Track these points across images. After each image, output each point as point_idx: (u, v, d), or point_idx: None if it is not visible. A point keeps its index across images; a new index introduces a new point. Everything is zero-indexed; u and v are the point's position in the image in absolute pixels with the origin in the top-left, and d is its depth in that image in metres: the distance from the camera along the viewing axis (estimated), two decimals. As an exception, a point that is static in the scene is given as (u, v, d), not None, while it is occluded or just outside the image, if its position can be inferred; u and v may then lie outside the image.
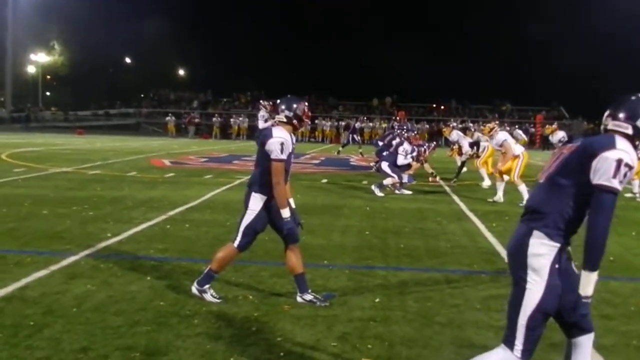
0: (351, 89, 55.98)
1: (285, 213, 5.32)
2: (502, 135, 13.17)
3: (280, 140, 5.30)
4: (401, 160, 13.72)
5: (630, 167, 3.09)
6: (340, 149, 30.08)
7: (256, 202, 5.41)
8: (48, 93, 67.92)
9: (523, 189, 12.49)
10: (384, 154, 14.48)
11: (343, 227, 9.33)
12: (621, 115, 3.26)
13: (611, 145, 3.09)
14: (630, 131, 3.22)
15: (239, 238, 5.45)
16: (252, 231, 5.45)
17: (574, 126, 50.83)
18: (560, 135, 17.74)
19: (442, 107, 56.64)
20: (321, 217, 10.14)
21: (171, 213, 10.03)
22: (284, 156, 5.31)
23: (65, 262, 6.58)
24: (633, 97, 3.33)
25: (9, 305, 5.18)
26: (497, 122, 15.36)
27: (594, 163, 3.08)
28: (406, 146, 13.92)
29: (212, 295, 5.46)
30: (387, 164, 13.73)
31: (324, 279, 6.34)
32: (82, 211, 9.93)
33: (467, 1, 62.06)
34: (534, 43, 56.12)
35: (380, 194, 13.16)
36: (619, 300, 5.90)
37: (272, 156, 5.29)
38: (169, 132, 48.51)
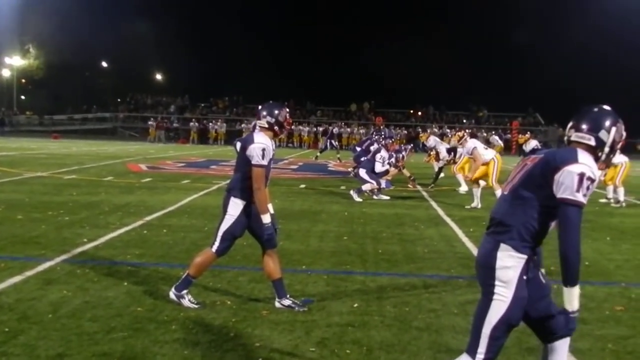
0: (329, 94, 56.13)
1: (266, 219, 5.32)
2: (471, 144, 13.23)
3: (262, 146, 5.30)
4: (379, 167, 13.76)
5: (592, 180, 3.13)
6: (318, 154, 30.13)
7: (235, 207, 5.40)
8: (23, 97, 67.15)
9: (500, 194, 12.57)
10: (362, 160, 14.53)
11: (321, 233, 9.34)
12: (584, 127, 3.30)
13: (573, 159, 3.13)
14: (592, 142, 3.27)
15: (217, 243, 5.43)
16: (231, 236, 5.44)
17: (550, 133, 51.49)
18: (534, 144, 17.98)
19: (420, 113, 56.99)
20: (299, 223, 10.14)
21: (148, 218, 9.97)
22: (265, 162, 5.31)
23: (40, 268, 6.50)
24: (595, 109, 3.38)
25: (-17, 311, 5.11)
26: (466, 130, 15.50)
27: (557, 177, 3.12)
28: (383, 153, 13.96)
29: (189, 300, 5.43)
30: (364, 170, 13.77)
31: (302, 284, 6.33)
32: (58, 216, 9.83)
33: (446, 8, 62.48)
34: (511, 50, 56.70)
35: (358, 199, 13.19)
36: (594, 305, 5.97)
37: (253, 162, 5.28)
38: (150, 137, 47.89)
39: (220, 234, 5.43)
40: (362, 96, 56.59)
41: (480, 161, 12.88)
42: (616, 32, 49.16)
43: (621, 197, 14.26)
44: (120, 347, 4.46)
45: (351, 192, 13.56)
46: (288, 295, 5.53)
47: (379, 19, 62.95)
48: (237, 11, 63.59)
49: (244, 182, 5.36)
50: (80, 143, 38.23)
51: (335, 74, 60.55)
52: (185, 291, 5.45)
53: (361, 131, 46.16)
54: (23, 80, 65.16)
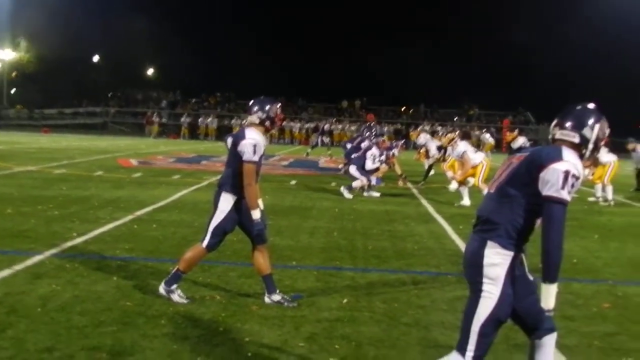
0: (320, 91, 56.09)
1: (256, 214, 5.32)
2: (462, 147, 13.28)
3: (253, 142, 5.31)
4: (369, 164, 13.77)
5: (577, 178, 3.16)
6: (309, 150, 30.12)
7: (226, 202, 5.40)
8: (13, 90, 66.76)
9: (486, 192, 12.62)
10: (353, 156, 14.55)
11: (311, 229, 9.35)
12: (568, 125, 3.34)
13: (558, 157, 3.16)
14: (577, 140, 3.31)
15: (207, 238, 5.44)
16: (221, 231, 5.45)
17: (541, 131, 51.59)
18: (522, 141, 18.02)
19: (411, 111, 57.01)
20: (289, 219, 10.16)
21: (138, 213, 9.96)
22: (256, 158, 5.32)
23: (29, 262, 6.49)
24: (579, 107, 3.43)
25: (-29, 304, 5.10)
26: (457, 132, 15.53)
27: (542, 174, 3.14)
28: (374, 150, 13.97)
29: (179, 295, 5.44)
30: (355, 167, 13.80)
31: (292, 279, 6.35)
32: (48, 210, 9.80)
33: (438, 7, 62.56)
34: (503, 48, 56.81)
35: (349, 196, 13.21)
36: (581, 302, 6.01)
37: (245, 157, 5.29)
38: (154, 133, 47.61)
39: (210, 229, 5.43)
40: (353, 93, 56.56)
41: (468, 165, 12.97)
42: (609, 30, 49.45)
43: (610, 196, 14.32)
44: (110, 341, 4.46)
45: (342, 189, 13.57)
46: (277, 291, 5.54)
47: (370, 17, 62.93)
48: (229, 7, 63.53)
49: (234, 178, 5.37)
50: (70, 137, 38.07)
51: (326, 71, 60.56)
52: (175, 286, 5.45)
53: (352, 128, 46.11)
54: (14, 74, 64.77)
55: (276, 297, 5.49)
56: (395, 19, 62.20)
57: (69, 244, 7.49)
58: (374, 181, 13.92)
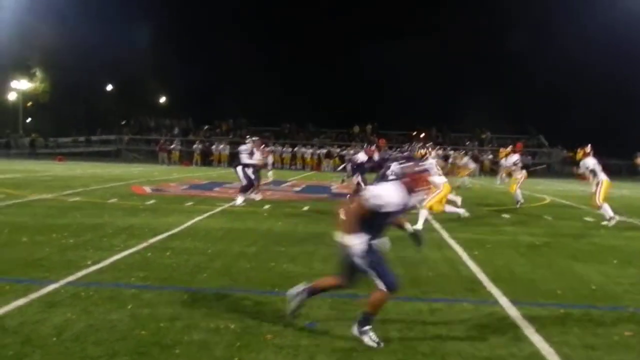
0: (332, 116, 56.32)
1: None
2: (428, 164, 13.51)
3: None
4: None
5: None
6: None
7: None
8: (28, 120, 67.47)
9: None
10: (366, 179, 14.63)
11: (325, 256, 9.28)
12: None
13: None
14: None
15: (380, 282, 5.32)
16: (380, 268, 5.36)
17: (554, 154, 51.49)
18: (515, 158, 18.13)
19: (423, 135, 57.01)
20: (302, 246, 10.11)
21: (152, 240, 9.95)
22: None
23: (44, 290, 6.49)
24: None
25: (-14, 334, 5.09)
26: (429, 147, 15.60)
27: None
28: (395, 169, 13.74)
29: (371, 337, 5.31)
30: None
31: (306, 307, 6.27)
32: (62, 239, 9.82)
33: (447, 30, 62.77)
34: (513, 70, 56.91)
35: None
36: (602, 330, 5.91)
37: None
38: (173, 158, 48.35)
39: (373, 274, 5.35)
40: (364, 118, 56.77)
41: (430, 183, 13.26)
42: (617, 51, 49.47)
43: (609, 213, 14.20)
44: (124, 371, 4.43)
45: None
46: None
47: (380, 40, 63.13)
48: (241, 34, 64.01)
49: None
50: (84, 165, 38.32)
51: (337, 96, 60.76)
52: (368, 327, 5.35)
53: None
54: (29, 104, 65.51)
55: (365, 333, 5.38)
56: (405, 43, 62.35)
57: (84, 272, 7.49)
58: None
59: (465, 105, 54.89)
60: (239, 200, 16.07)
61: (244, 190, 16.36)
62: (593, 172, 14.53)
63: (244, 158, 16.74)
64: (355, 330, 5.37)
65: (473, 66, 59.41)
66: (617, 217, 14.29)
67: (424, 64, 55.64)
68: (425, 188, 5.65)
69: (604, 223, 14.14)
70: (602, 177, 14.42)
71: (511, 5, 57.02)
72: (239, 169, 16.57)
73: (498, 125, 54.30)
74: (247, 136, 19.66)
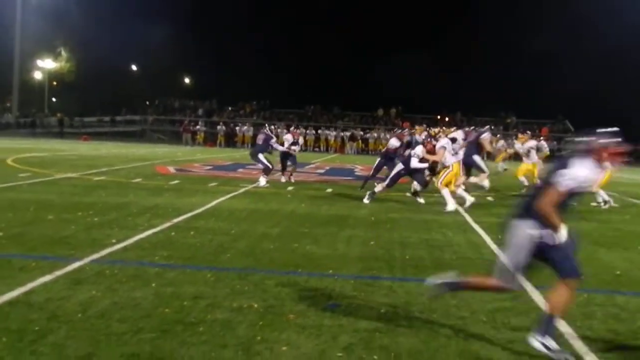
0: (356, 99, 56.12)
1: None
2: (442, 142, 13.63)
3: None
4: (414, 163, 13.39)
5: None
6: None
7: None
8: (54, 99, 68.13)
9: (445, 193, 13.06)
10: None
11: (348, 237, 9.30)
12: None
13: None
14: None
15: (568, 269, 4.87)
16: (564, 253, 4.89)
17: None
18: (531, 144, 18.07)
19: (447, 119, 56.61)
20: (326, 227, 10.12)
21: (176, 220, 10.02)
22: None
23: (70, 268, 6.56)
24: None
25: (14, 309, 5.17)
26: (443, 128, 15.70)
27: None
28: (418, 151, 13.53)
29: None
30: (397, 167, 13.74)
31: (329, 288, 6.31)
32: (87, 217, 9.93)
33: (474, 14, 62.15)
34: (541, 56, 56.28)
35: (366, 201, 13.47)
36: (626, 316, 5.86)
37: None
38: (198, 140, 48.74)
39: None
40: (389, 101, 56.49)
41: (438, 158, 13.27)
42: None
43: (603, 197, 14.54)
44: (149, 348, 4.48)
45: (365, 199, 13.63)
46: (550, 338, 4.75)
47: (407, 26, 62.75)
48: (265, 16, 63.93)
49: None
50: (109, 145, 38.65)
51: (363, 79, 60.55)
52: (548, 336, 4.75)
53: (387, 136, 46.03)
54: (54, 83, 66.11)
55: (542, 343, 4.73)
56: (431, 28, 61.91)
57: (108, 250, 7.57)
58: (419, 187, 13.87)
59: (490, 88, 54.45)
60: (262, 181, 16.17)
61: (266, 172, 16.44)
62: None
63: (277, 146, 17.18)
64: (533, 341, 4.74)
65: (499, 50, 58.75)
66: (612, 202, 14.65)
67: (450, 48, 55.16)
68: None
69: (594, 204, 14.51)
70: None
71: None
72: (260, 155, 16.71)
73: (523, 110, 53.74)
74: (265, 124, 19.96)
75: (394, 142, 15.34)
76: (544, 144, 18.97)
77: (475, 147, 16.42)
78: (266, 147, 16.91)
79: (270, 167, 16.53)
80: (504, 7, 60.35)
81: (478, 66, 58.20)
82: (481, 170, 16.47)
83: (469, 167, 16.10)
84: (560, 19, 57.09)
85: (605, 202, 14.52)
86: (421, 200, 13.85)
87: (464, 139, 15.86)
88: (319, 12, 64.35)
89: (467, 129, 17.38)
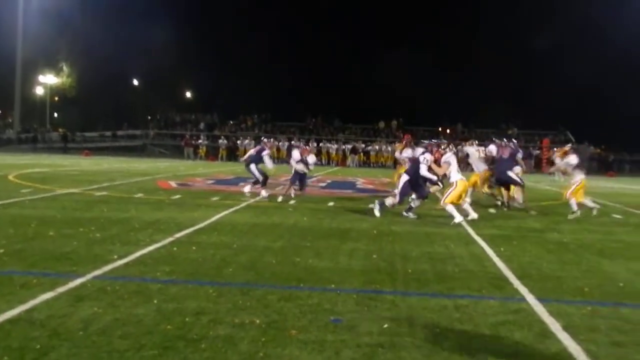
0: (357, 112, 56.26)
1: None
2: (447, 156, 13.48)
3: None
4: (423, 170, 13.21)
5: None
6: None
7: None
8: (55, 114, 68.33)
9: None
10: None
11: (350, 251, 9.28)
12: None
13: None
14: None
15: None
16: None
17: (581, 151, 50.84)
18: (573, 159, 17.98)
19: (448, 131, 56.69)
20: (328, 240, 10.10)
21: (178, 235, 10.01)
22: None
23: (71, 284, 6.55)
24: None
25: (15, 327, 5.15)
26: (446, 142, 15.65)
27: None
28: (428, 156, 13.38)
29: None
30: (404, 179, 13.55)
31: (331, 303, 6.28)
32: (89, 232, 9.92)
33: (475, 25, 62.38)
34: (541, 67, 56.36)
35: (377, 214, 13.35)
36: (630, 327, 5.83)
37: None
38: (199, 155, 48.72)
39: None
40: (390, 114, 56.61)
41: (440, 171, 13.22)
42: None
43: (574, 208, 14.63)
44: (150, 365, 4.46)
45: (375, 208, 13.57)
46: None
47: (408, 38, 62.96)
48: (267, 29, 64.14)
49: None
50: (111, 160, 38.69)
51: (363, 92, 60.67)
52: None
53: (389, 149, 46.07)
54: (56, 98, 66.32)
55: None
56: (432, 40, 62.08)
57: (110, 266, 7.55)
58: (416, 202, 13.75)
59: (491, 100, 54.51)
60: (264, 193, 16.23)
61: (264, 183, 16.52)
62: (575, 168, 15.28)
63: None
64: None
65: (499, 61, 58.89)
66: (579, 213, 14.65)
67: (450, 58, 55.28)
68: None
69: (570, 217, 14.49)
70: (581, 176, 15.11)
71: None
72: (252, 166, 16.69)
73: (524, 121, 53.80)
74: (262, 138, 19.99)
75: (427, 157, 13.63)
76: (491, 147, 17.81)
77: (510, 162, 16.01)
78: (259, 159, 16.94)
79: (261, 179, 16.53)
80: (506, 8, 60.67)
81: (481, 78, 58.34)
82: (517, 185, 16.02)
83: (506, 183, 16.00)
84: (562, 30, 57.28)
85: (573, 212, 14.52)
86: (413, 216, 13.62)
87: (498, 155, 15.97)
88: (318, 19, 64.69)
89: (501, 142, 16.80)
